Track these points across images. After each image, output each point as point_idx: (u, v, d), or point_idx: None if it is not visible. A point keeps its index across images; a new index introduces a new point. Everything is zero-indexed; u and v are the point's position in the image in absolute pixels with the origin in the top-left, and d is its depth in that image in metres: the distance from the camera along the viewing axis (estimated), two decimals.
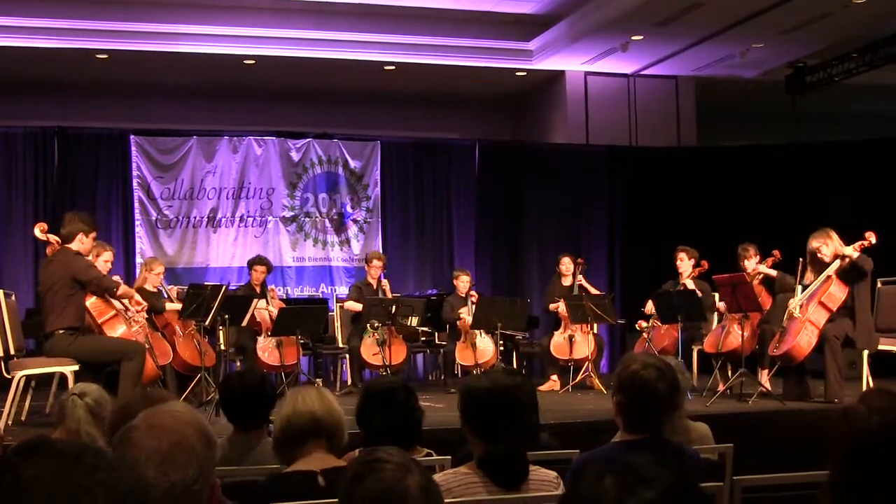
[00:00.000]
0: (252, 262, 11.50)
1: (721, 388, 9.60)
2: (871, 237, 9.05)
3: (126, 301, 8.86)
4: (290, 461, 3.91)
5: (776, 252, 10.04)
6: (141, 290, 9.72)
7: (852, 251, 8.96)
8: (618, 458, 3.68)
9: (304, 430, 3.90)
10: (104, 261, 9.11)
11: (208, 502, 2.31)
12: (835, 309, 9.04)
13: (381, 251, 13.73)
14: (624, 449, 3.74)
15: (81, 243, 8.19)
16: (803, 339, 8.98)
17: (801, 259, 9.32)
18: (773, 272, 9.97)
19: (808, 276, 9.25)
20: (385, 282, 11.61)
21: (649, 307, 10.95)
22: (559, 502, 1.81)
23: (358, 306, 11.39)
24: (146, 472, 2.14)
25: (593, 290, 11.69)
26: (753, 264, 10.12)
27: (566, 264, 11.84)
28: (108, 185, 13.29)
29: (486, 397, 3.60)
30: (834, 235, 9.14)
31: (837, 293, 9.02)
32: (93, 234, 8.32)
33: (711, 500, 3.75)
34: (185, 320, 10.01)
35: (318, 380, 11.48)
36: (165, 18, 12.77)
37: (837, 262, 9.02)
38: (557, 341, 11.33)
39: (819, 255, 9.10)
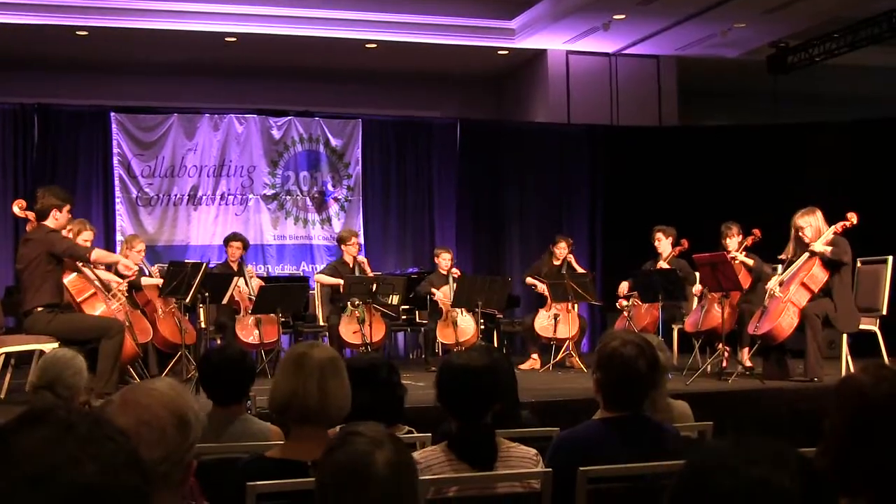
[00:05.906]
0: (228, 239, 11.40)
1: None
2: (853, 218, 9.06)
3: (110, 272, 8.81)
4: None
5: (756, 231, 10.02)
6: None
7: (824, 248, 8.97)
8: (596, 436, 3.69)
9: (305, 413, 3.49)
10: (83, 240, 8.93)
11: (181, 483, 2.30)
12: (816, 290, 9.05)
13: (361, 229, 13.75)
14: (604, 427, 3.75)
15: (56, 219, 8.08)
16: (785, 321, 9.00)
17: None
18: (751, 262, 9.96)
19: (790, 249, 9.29)
20: (363, 259, 11.57)
21: (623, 288, 10.99)
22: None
23: (329, 279, 11.37)
24: None
25: (580, 269, 11.69)
26: (735, 243, 10.10)
27: (561, 249, 11.76)
28: (89, 162, 13.21)
29: (461, 376, 3.61)
30: (819, 217, 9.14)
31: (819, 274, 9.02)
32: (67, 208, 8.16)
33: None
34: (166, 298, 9.98)
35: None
36: None
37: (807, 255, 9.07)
38: (542, 320, 11.32)
39: (801, 233, 9.13)
